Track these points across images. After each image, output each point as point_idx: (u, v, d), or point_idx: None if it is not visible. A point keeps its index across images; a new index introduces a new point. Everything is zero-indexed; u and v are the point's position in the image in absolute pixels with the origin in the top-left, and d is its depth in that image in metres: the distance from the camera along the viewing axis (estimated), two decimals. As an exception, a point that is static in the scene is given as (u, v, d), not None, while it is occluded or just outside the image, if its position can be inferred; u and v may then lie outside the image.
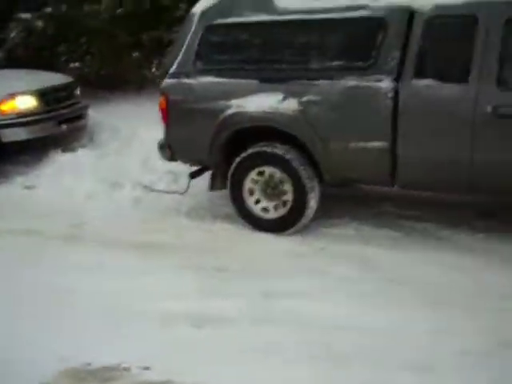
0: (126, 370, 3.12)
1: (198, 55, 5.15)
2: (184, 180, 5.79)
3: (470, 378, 3.00)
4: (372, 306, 3.79)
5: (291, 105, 4.73)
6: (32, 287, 4.12)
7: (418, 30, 4.42)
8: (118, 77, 8.19)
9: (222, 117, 4.97)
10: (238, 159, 5.03)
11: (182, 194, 5.77)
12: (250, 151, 4.98)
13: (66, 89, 7.46)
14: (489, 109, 4.18)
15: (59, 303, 3.89)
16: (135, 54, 8.07)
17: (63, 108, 7.26)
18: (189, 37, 5.20)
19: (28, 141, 6.99)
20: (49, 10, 8.17)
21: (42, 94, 7.09)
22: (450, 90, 4.31)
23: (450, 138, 4.34)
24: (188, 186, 5.66)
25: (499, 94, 4.18)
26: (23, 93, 6.96)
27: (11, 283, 4.24)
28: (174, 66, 5.25)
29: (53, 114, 7.12)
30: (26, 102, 6.96)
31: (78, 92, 7.66)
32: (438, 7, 4.42)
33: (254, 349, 3.27)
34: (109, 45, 8.12)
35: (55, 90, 7.26)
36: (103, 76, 8.42)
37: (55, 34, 8.31)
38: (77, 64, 8.29)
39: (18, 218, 5.69)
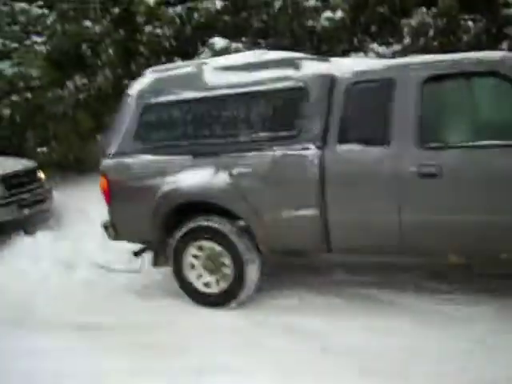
0: None
1: (136, 135, 5.22)
2: (143, 259, 5.76)
3: None
4: (304, 379, 3.71)
5: (223, 178, 4.75)
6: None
7: (339, 96, 4.48)
8: (85, 160, 8.30)
9: (159, 194, 4.99)
10: (177, 235, 5.01)
11: (137, 272, 5.75)
12: (187, 226, 4.97)
13: (29, 173, 7.56)
14: (411, 169, 4.18)
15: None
16: (100, 137, 8.18)
17: (25, 192, 7.33)
18: (127, 117, 5.29)
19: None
20: (15, 97, 8.35)
21: (4, 180, 7.20)
22: (373, 153, 4.32)
23: (377, 200, 4.33)
24: (141, 265, 5.64)
25: (420, 154, 4.18)
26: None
27: None
28: (114, 147, 5.31)
29: (14, 198, 7.19)
30: (-15, 187, 7.06)
31: (41, 176, 7.75)
32: (357, 73, 4.50)
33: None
34: (73, 129, 8.27)
35: (17, 175, 7.36)
36: (71, 159, 8.53)
37: (22, 120, 8.47)
38: (44, 149, 8.39)
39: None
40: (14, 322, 5.17)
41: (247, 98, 4.79)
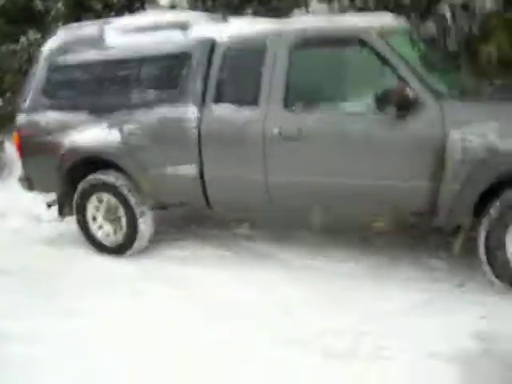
0: None
1: (44, 91, 5.49)
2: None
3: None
4: (159, 323, 4.03)
5: (114, 135, 5.01)
6: None
7: (217, 59, 4.68)
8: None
9: (61, 149, 5.28)
10: (79, 187, 5.32)
11: (60, 221, 6.03)
12: (87, 179, 5.27)
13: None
14: (275, 131, 4.39)
15: None
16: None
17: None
18: (37, 74, 5.55)
19: None
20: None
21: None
22: (243, 113, 4.53)
23: (246, 160, 4.55)
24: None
25: (284, 117, 4.39)
26: None
27: None
28: (26, 103, 5.59)
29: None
30: None
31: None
32: (233, 37, 4.68)
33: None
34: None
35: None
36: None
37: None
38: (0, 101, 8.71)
39: None
40: None
41: (139, 60, 5.01)
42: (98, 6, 8.46)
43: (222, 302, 4.29)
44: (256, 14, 7.65)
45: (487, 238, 3.95)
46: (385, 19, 4.70)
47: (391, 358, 3.40)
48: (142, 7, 8.26)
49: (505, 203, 3.85)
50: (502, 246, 3.91)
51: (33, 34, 8.48)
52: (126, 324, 4.06)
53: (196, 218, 6.04)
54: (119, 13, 8.34)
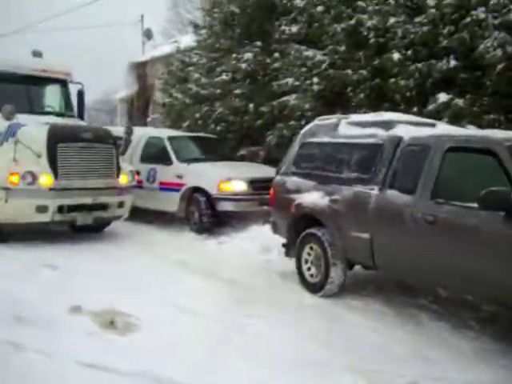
0: None
1: (294, 161, 7.45)
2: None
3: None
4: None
5: (324, 200, 6.65)
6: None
7: (397, 154, 6.02)
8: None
9: (292, 205, 7.12)
10: (299, 238, 7.07)
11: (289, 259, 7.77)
12: (304, 232, 6.98)
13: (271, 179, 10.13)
14: (419, 215, 5.54)
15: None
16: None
17: (266, 194, 9.96)
18: (293, 148, 7.54)
19: (236, 213, 10.01)
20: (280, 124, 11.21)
21: (252, 181, 10.04)
22: (404, 198, 5.77)
23: (400, 234, 5.78)
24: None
25: (428, 205, 5.50)
26: (238, 178, 10.06)
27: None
28: (282, 168, 7.61)
29: (257, 196, 9.92)
30: (239, 185, 10.00)
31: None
32: (412, 137, 5.96)
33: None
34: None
35: (263, 179, 10.04)
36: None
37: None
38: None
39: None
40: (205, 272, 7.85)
41: (350, 147, 6.61)
42: (397, 97, 10.06)
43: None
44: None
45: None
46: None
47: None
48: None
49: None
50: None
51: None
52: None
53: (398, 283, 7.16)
54: (407, 106, 9.82)
